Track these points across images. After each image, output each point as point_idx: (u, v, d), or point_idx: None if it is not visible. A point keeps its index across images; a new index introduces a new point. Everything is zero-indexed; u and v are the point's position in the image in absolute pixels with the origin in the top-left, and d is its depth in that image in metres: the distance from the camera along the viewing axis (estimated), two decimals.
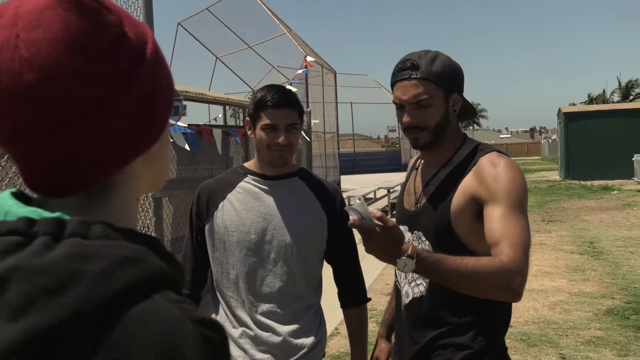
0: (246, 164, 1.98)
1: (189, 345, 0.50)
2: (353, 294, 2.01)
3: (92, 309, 0.48)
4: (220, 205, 1.88)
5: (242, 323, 1.85)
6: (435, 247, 1.61)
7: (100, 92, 0.54)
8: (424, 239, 1.67)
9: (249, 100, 2.35)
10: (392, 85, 1.68)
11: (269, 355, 1.82)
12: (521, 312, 5.23)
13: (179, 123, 4.53)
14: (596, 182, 18.10)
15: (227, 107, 10.34)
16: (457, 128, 1.73)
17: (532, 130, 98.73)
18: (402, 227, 1.37)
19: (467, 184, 1.59)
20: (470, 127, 68.28)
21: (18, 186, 2.50)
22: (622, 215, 11.22)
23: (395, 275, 1.85)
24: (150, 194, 3.98)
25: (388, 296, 2.82)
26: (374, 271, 6.75)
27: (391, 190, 13.23)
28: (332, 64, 18.74)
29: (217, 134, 5.61)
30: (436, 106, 1.63)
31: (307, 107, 12.23)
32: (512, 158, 1.64)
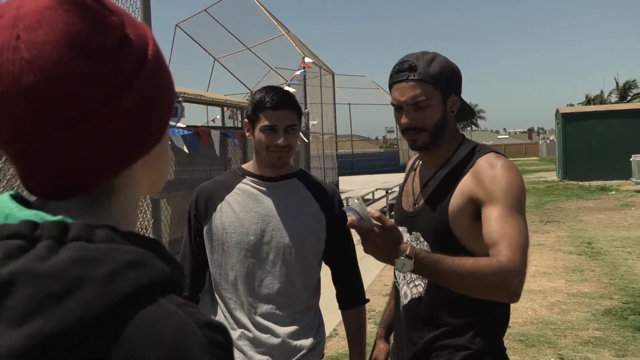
0: (244, 166, 1.98)
1: (196, 349, 0.50)
2: (351, 295, 2.01)
3: (97, 313, 0.48)
4: (219, 206, 1.88)
5: (240, 325, 1.85)
6: (433, 248, 1.61)
7: (101, 93, 0.53)
8: (422, 239, 1.67)
9: (247, 101, 2.35)
10: (390, 86, 1.68)
11: (267, 357, 1.82)
12: (519, 312, 5.24)
13: (177, 125, 4.53)
14: (594, 183, 18.12)
15: (225, 109, 10.33)
16: (455, 129, 1.73)
17: (530, 131, 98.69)
18: (400, 228, 1.37)
19: (465, 185, 1.59)
20: (468, 128, 68.33)
21: (16, 188, 2.50)
22: (620, 216, 11.24)
23: (394, 276, 1.85)
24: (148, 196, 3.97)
25: (386, 297, 2.82)
26: (373, 272, 6.75)
27: (389, 191, 13.23)
28: (330, 65, 18.79)
29: (215, 135, 5.61)
30: (434, 107, 1.63)
31: (305, 108, 12.23)
32: (510, 159, 1.64)
